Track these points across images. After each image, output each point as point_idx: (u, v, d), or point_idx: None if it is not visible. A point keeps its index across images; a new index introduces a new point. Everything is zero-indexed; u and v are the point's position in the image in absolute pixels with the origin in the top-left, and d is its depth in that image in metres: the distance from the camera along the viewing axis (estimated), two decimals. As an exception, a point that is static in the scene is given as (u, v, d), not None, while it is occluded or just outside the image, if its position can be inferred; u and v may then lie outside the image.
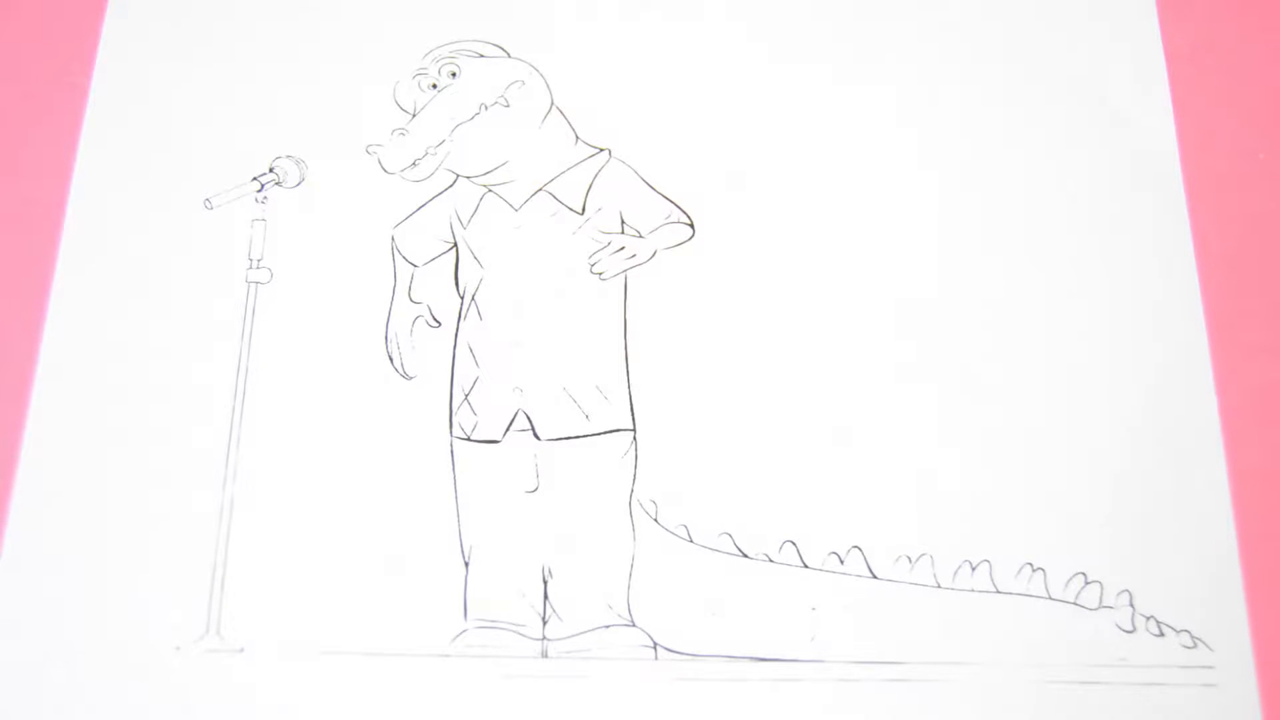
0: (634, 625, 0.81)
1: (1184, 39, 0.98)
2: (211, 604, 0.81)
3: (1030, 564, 0.82)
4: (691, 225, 0.89)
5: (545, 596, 0.82)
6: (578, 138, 0.91)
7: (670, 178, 0.91)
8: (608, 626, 0.81)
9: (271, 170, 0.90)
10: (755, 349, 0.88)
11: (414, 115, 0.91)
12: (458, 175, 0.90)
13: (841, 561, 0.83)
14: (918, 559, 0.83)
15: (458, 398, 0.86)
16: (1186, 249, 0.91)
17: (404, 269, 0.88)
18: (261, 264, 0.88)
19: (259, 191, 0.90)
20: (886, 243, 0.90)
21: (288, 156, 0.90)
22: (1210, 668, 0.80)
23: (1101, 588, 0.82)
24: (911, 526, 0.83)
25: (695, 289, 0.89)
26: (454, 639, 0.80)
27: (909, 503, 0.84)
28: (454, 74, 0.92)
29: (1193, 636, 0.81)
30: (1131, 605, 0.81)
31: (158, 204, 0.91)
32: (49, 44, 0.97)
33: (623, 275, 0.88)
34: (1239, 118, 0.96)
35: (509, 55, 0.94)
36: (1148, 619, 0.81)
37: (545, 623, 0.81)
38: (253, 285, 0.87)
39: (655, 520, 0.84)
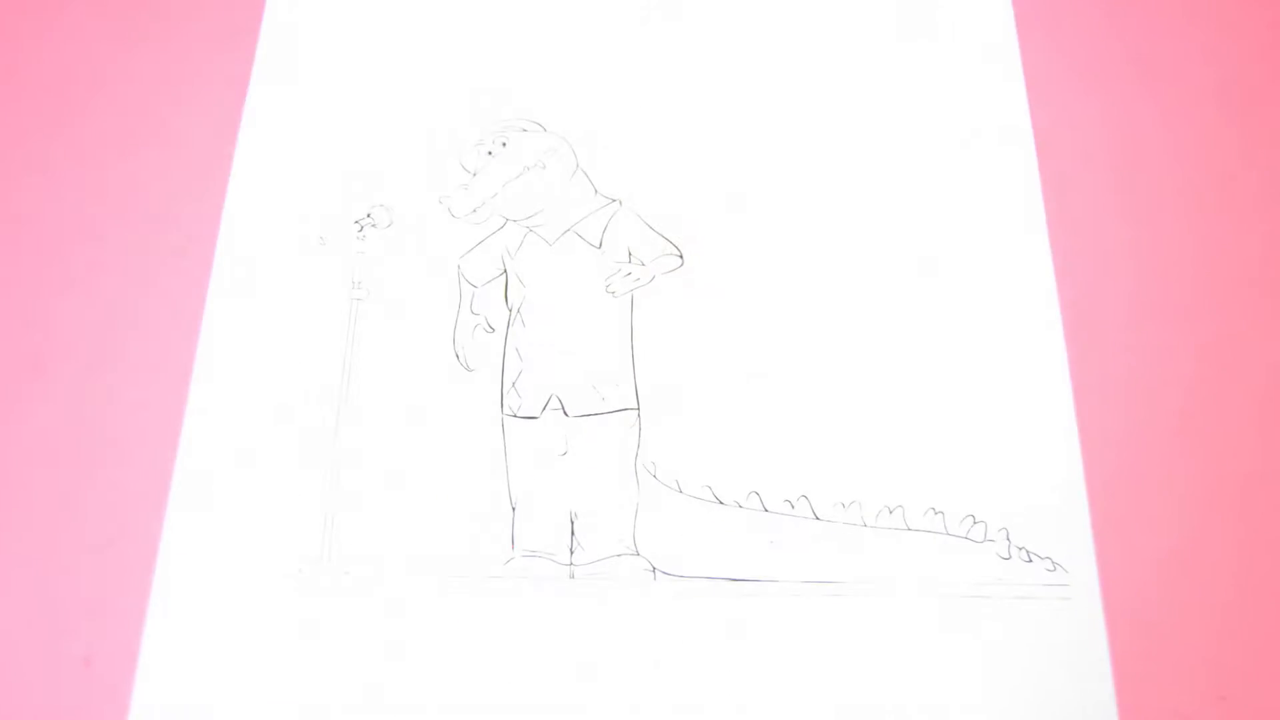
0: (639, 554, 0.92)
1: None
2: (326, 536, 0.93)
3: (933, 509, 0.95)
4: (681, 256, 1.03)
5: (572, 533, 0.93)
6: (596, 191, 1.03)
7: (667, 219, 1.04)
8: (619, 556, 0.92)
9: (369, 215, 1.02)
10: (731, 349, 1.00)
11: (475, 174, 1.03)
12: (507, 219, 1.02)
13: (793, 507, 0.94)
14: (849, 504, 0.94)
15: (507, 385, 0.97)
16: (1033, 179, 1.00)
17: (467, 289, 1.00)
18: (361, 285, 1.00)
19: (360, 231, 1.02)
20: (831, 247, 1.01)
21: (381, 205, 1.02)
22: (1066, 585, 0.93)
23: (986, 526, 0.94)
24: (846, 480, 0.95)
25: (685, 304, 1.02)
26: (505, 564, 0.92)
27: (844, 461, 0.96)
28: (504, 144, 1.03)
29: (1053, 562, 0.94)
30: (1008, 540, 0.94)
31: (285, 237, 1.02)
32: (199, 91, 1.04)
33: (630, 294, 1.00)
34: (1093, 108, 1.04)
35: (545, 130, 1.06)
36: (1020, 549, 0.94)
37: (572, 553, 0.92)
38: (355, 302, 0.99)
39: (654, 477, 0.95)
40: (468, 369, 0.98)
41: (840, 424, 0.97)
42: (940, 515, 0.95)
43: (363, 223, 1.02)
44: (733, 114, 1.09)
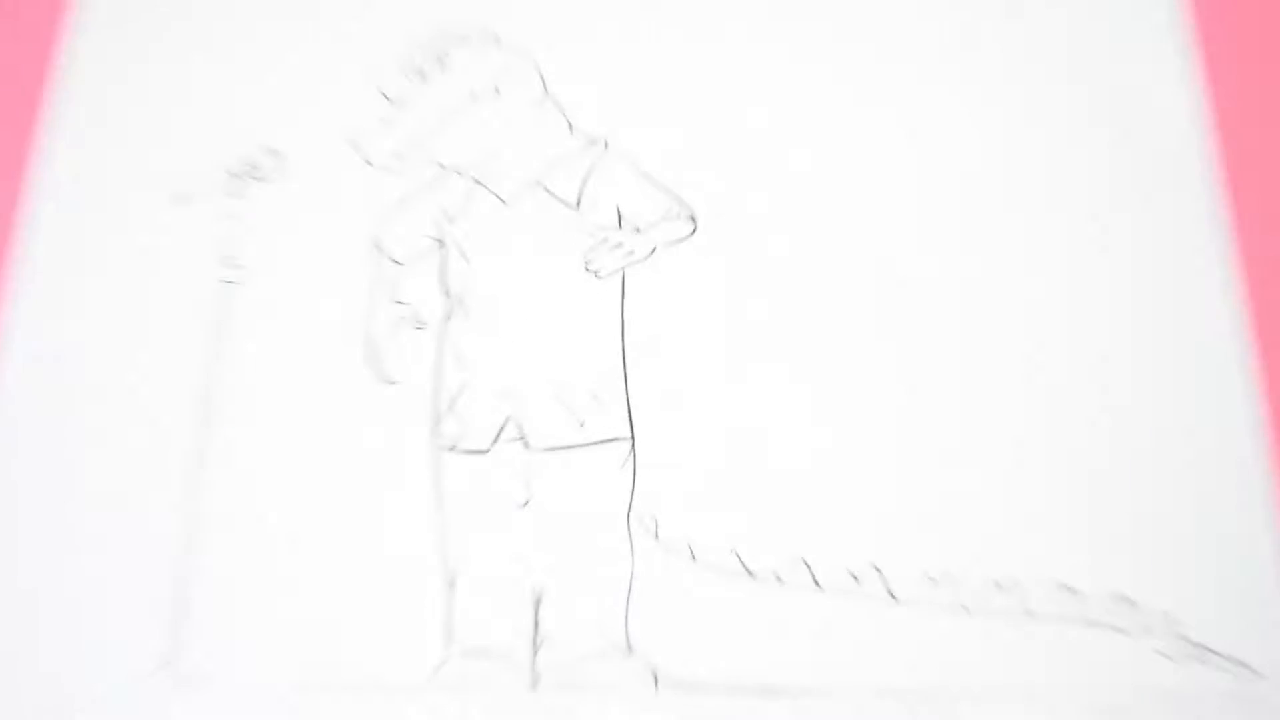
0: (632, 652, 0.77)
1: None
2: (172, 631, 0.78)
3: (1064, 585, 0.78)
4: (694, 220, 0.87)
5: (535, 620, 0.78)
6: (572, 128, 0.89)
7: (671, 169, 0.88)
8: (604, 654, 0.78)
9: (248, 164, 0.88)
10: (762, 351, 0.84)
11: (400, 105, 0.90)
12: (445, 168, 0.88)
13: (858, 582, 0.78)
14: (940, 579, 0.78)
15: (443, 405, 0.83)
16: (1224, 240, 0.86)
17: (387, 268, 0.86)
18: (236, 263, 0.86)
19: (235, 186, 0.88)
20: (907, 244, 0.87)
21: (266, 148, 0.89)
22: (1260, 700, 0.75)
23: (1142, 611, 0.78)
24: (934, 543, 0.79)
25: (698, 287, 0.85)
26: (435, 669, 0.77)
27: (931, 517, 0.80)
28: (442, 62, 0.90)
29: (1242, 664, 0.76)
30: (1176, 632, 0.77)
31: (122, 199, 0.89)
32: (13, 24, 0.95)
33: (620, 273, 0.86)
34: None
35: (499, 43, 0.92)
36: (1194, 645, 0.77)
37: (536, 650, 0.78)
38: (224, 285, 0.86)
39: (655, 536, 0.80)
40: (386, 381, 0.83)
41: (925, 463, 0.81)
42: (1074, 595, 0.78)
43: (239, 174, 0.88)
44: (771, 13, 0.94)
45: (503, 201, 0.86)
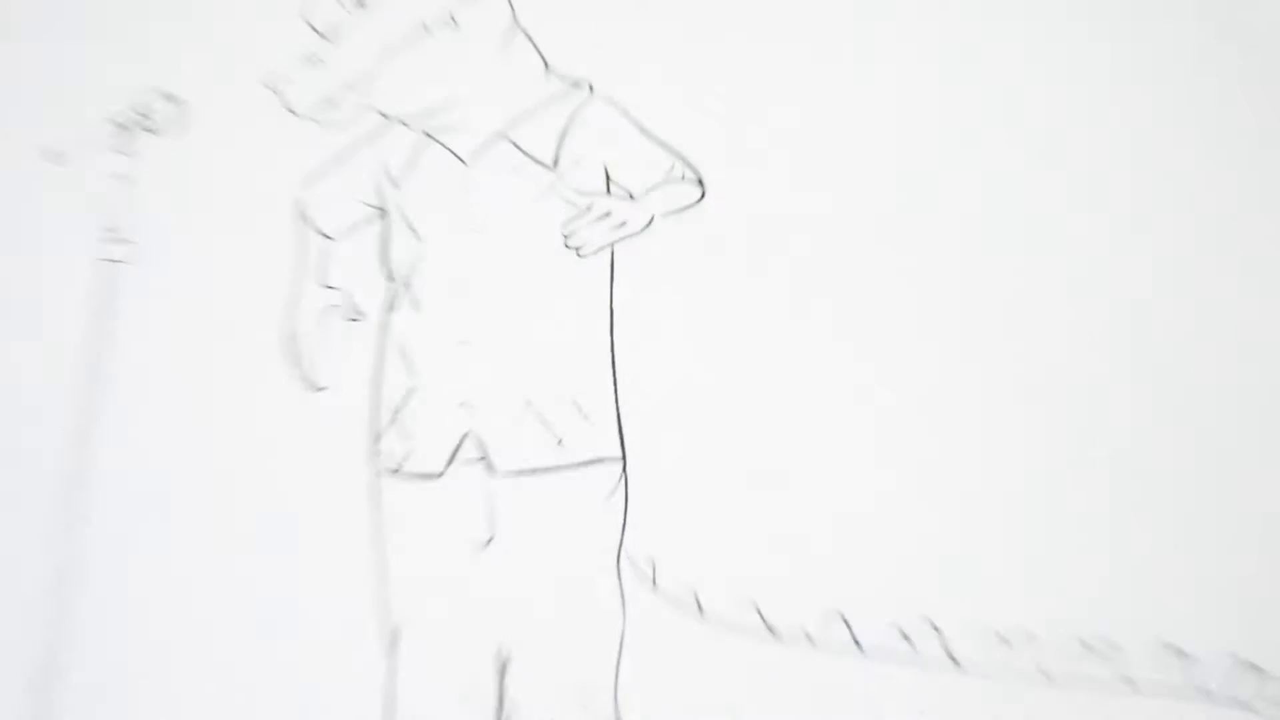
0: None
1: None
2: (39, 703, 0.68)
3: (1171, 646, 0.68)
4: (700, 184, 0.78)
5: (500, 690, 0.70)
6: (549, 68, 0.80)
7: (672, 120, 0.79)
8: None
9: (139, 111, 0.80)
10: (788, 349, 0.75)
11: (331, 39, 0.80)
12: (388, 118, 0.79)
13: (910, 642, 0.69)
14: (1014, 637, 0.68)
15: (384, 416, 0.74)
16: None
17: (314, 243, 0.78)
18: (122, 236, 0.77)
19: (122, 140, 0.79)
20: (982, 220, 0.77)
21: (160, 93, 0.81)
22: None
23: (1269, 679, 0.68)
24: (1004, 594, 0.69)
25: (706, 267, 0.76)
26: None
27: (1001, 561, 0.70)
28: None
29: None
30: None
31: None
32: None
33: (608, 250, 0.77)
34: None
35: None
36: None
37: None
38: (109, 264, 0.77)
39: (653, 584, 0.71)
40: (312, 387, 0.75)
41: (995, 493, 0.71)
42: (1183, 658, 0.68)
43: (127, 125, 0.80)
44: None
45: (461, 160, 0.77)
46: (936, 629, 0.67)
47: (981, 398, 0.74)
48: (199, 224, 0.77)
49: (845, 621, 0.68)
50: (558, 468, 0.72)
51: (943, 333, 0.75)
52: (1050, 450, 0.73)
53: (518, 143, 0.76)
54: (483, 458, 0.72)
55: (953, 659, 0.67)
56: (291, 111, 0.78)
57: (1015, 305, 0.74)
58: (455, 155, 0.77)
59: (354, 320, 0.75)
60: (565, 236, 0.75)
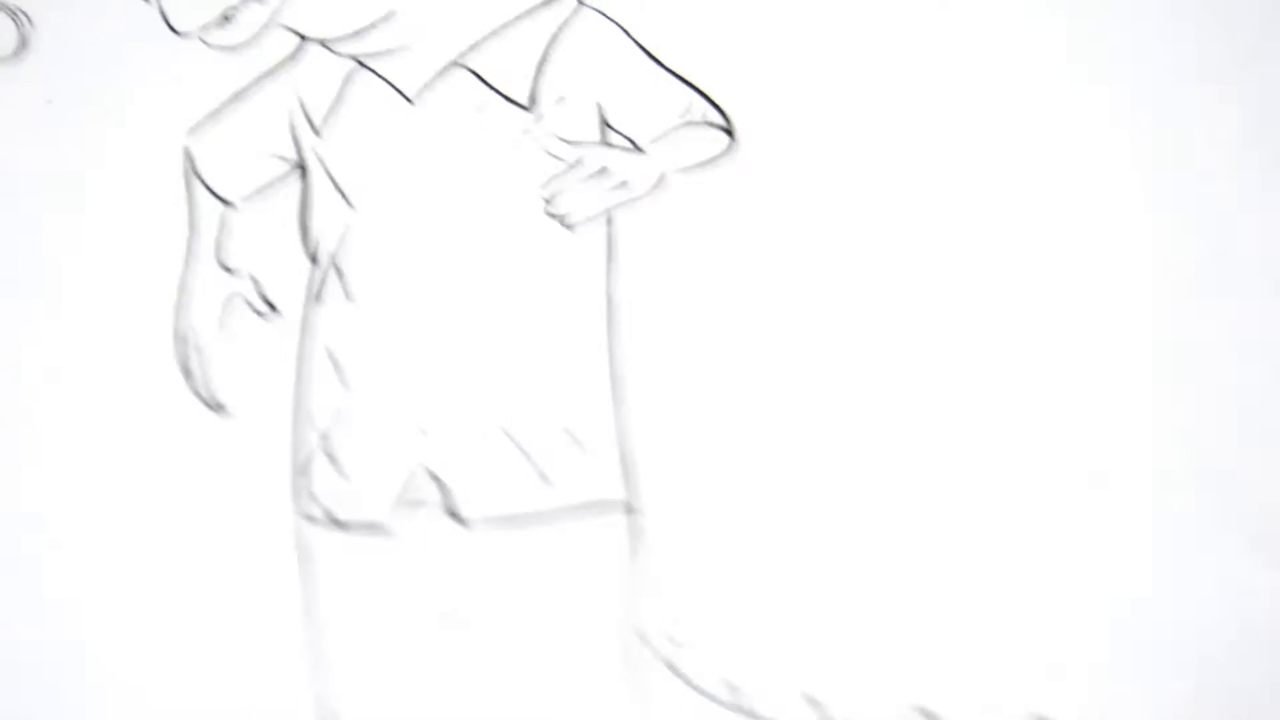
0: None
1: None
2: None
3: None
4: (728, 128, 0.64)
5: None
6: None
7: (688, 42, 0.65)
8: None
9: None
10: (843, 355, 0.63)
11: None
12: (304, 39, 0.66)
13: None
14: None
15: (308, 444, 0.62)
16: None
17: (209, 209, 0.66)
18: None
19: None
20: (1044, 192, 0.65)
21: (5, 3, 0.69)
22: None
23: None
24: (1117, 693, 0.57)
25: (734, 244, 0.63)
26: None
27: (1129, 628, 0.58)
28: None
29: None
30: None
31: None
32: None
33: (604, 218, 0.63)
34: None
35: None
36: None
37: None
38: None
39: (672, 668, 0.60)
40: (209, 404, 0.65)
41: (1117, 545, 0.58)
42: None
43: None
44: None
45: (405, 98, 0.64)
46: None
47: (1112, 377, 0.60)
48: (52, 179, 0.63)
49: (925, 716, 0.55)
50: (544, 514, 0.59)
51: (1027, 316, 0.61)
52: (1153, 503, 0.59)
53: (480, 73, 0.63)
54: (442, 501, 0.60)
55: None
56: (173, 29, 0.64)
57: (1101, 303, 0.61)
58: (397, 90, 0.63)
59: (264, 314, 0.62)
60: (546, 201, 0.61)
